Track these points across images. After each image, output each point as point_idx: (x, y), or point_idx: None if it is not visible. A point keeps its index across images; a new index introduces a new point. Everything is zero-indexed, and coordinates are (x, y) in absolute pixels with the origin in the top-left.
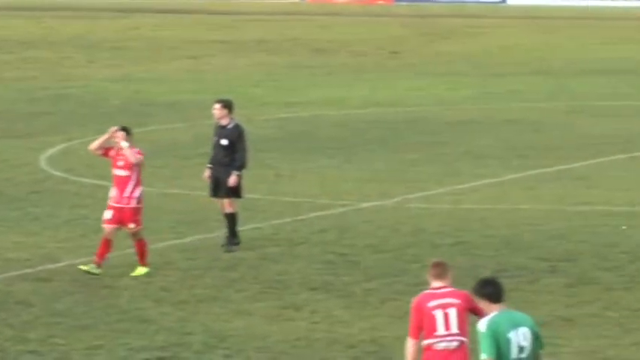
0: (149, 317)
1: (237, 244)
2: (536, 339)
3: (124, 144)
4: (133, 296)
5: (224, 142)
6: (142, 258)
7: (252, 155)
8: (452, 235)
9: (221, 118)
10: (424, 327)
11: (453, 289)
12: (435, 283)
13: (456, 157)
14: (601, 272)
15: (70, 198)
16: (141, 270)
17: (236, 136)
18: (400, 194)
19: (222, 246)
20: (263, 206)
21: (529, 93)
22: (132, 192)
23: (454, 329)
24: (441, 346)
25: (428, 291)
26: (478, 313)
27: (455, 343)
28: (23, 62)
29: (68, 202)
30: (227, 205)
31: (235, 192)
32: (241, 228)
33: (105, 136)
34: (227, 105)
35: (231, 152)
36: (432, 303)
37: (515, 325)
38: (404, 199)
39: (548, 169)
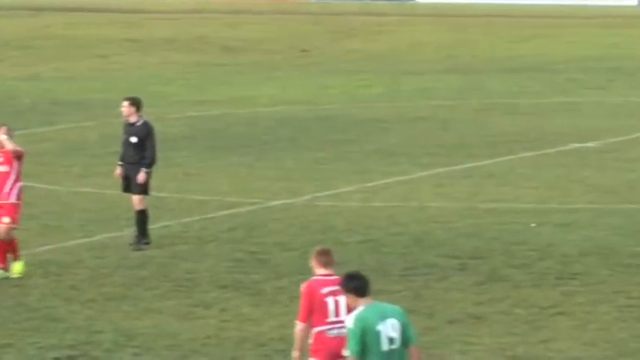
0: (58, 316)
1: (148, 243)
2: (406, 329)
3: (3, 137)
4: (42, 295)
5: (133, 139)
6: (4, 257)
7: (161, 154)
8: (360, 233)
9: (129, 115)
10: (315, 313)
11: (333, 279)
12: (322, 271)
13: (366, 155)
14: (510, 270)
15: None
16: (18, 266)
17: (145, 133)
18: (309, 192)
19: (131, 245)
20: (172, 204)
21: (439, 91)
22: (11, 188)
23: (344, 316)
24: (333, 332)
25: (318, 277)
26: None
27: (345, 330)
28: None
29: None
30: (137, 202)
31: (143, 189)
32: (151, 226)
33: None
34: (135, 103)
35: (140, 150)
36: (325, 290)
37: (384, 317)
38: (313, 197)
39: (458, 167)
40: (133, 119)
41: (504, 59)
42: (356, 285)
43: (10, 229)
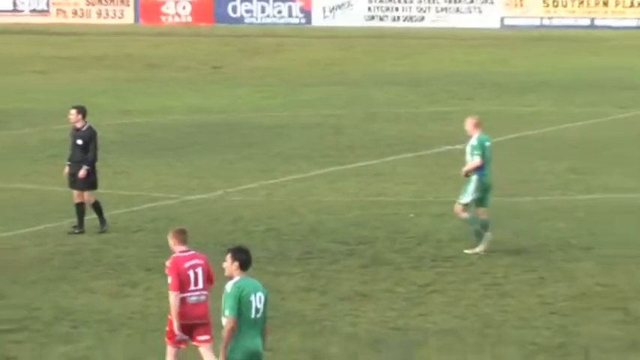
0: (3, 295)
1: (82, 232)
2: (266, 303)
3: None
4: None
5: (79, 142)
6: None
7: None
8: (264, 223)
9: (76, 122)
10: (182, 284)
11: (194, 252)
12: (181, 247)
13: (269, 156)
14: (392, 254)
15: None
16: None
17: (88, 137)
18: (221, 188)
19: (70, 233)
20: (103, 199)
21: (331, 100)
22: None
23: (201, 285)
24: (193, 299)
25: (179, 254)
26: (210, 276)
27: (203, 297)
28: None
29: None
30: (87, 196)
31: (91, 184)
32: (85, 217)
33: None
34: (81, 111)
35: (85, 151)
36: (187, 264)
37: (255, 291)
38: (224, 192)
39: (349, 166)
40: (79, 125)
41: (386, 74)
42: (242, 258)
43: None
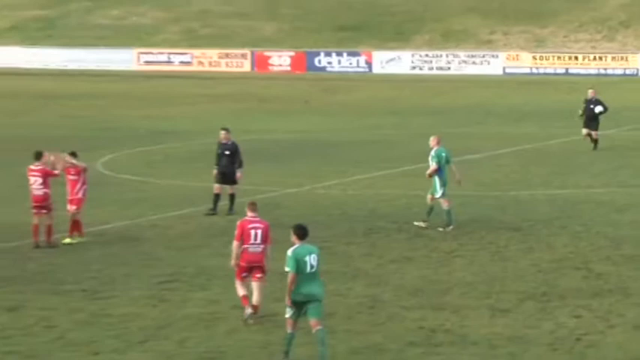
0: (160, 257)
1: (215, 214)
2: (319, 260)
3: (73, 160)
4: (153, 245)
5: (227, 152)
6: (74, 230)
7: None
8: (339, 208)
9: (226, 138)
10: (244, 238)
11: (259, 218)
12: (251, 214)
13: (343, 163)
14: (428, 230)
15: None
16: (70, 239)
17: (234, 148)
18: (308, 184)
19: (206, 214)
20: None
21: (386, 125)
22: (79, 189)
23: (259, 240)
24: (252, 249)
25: (247, 218)
26: (267, 236)
27: (259, 249)
28: None
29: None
30: (230, 190)
31: (234, 181)
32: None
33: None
34: (229, 130)
35: (231, 158)
36: (250, 225)
37: (310, 253)
38: (312, 187)
39: (398, 170)
40: (225, 140)
41: (424, 106)
42: (299, 232)
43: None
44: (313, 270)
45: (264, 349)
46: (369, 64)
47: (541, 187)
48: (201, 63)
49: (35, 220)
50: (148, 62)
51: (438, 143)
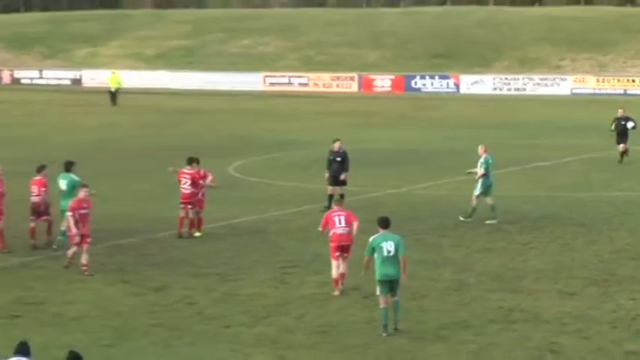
0: (282, 246)
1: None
2: (399, 247)
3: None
4: (277, 237)
5: (338, 159)
6: (199, 226)
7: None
8: (431, 205)
9: (339, 147)
10: (330, 224)
11: (343, 210)
12: (335, 207)
13: (436, 168)
14: (507, 225)
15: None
16: (198, 233)
17: (344, 156)
18: (405, 186)
19: (322, 211)
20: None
21: (471, 137)
22: (200, 191)
23: (344, 224)
24: (339, 231)
25: (333, 209)
26: (351, 220)
27: (345, 231)
28: None
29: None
30: (339, 190)
31: (344, 183)
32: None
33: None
34: (341, 141)
35: (342, 164)
36: (333, 214)
37: (386, 240)
38: (409, 189)
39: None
40: (337, 149)
41: (503, 121)
42: (381, 223)
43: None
44: (391, 255)
45: (368, 324)
46: (457, 85)
47: (602, 189)
48: (316, 85)
49: (182, 214)
50: (272, 84)
51: (486, 151)
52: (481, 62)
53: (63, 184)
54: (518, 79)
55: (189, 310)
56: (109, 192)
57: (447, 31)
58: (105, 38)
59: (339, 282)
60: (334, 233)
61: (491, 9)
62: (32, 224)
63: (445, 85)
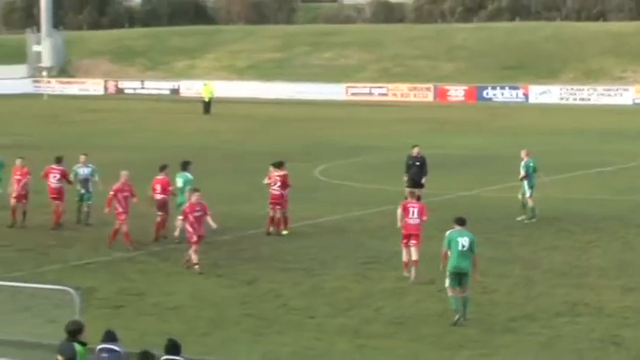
0: (364, 245)
1: None
2: (472, 244)
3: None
4: (359, 234)
5: (417, 163)
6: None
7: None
8: (499, 207)
9: (417, 152)
10: (405, 213)
11: (417, 202)
12: (409, 199)
13: (504, 172)
14: (570, 225)
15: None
16: (285, 231)
17: (423, 160)
18: (476, 189)
19: None
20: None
21: (539, 142)
22: (285, 195)
23: (415, 215)
24: (410, 222)
25: (407, 200)
26: (423, 211)
27: (415, 221)
28: None
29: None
30: (419, 192)
31: (422, 185)
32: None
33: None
34: (419, 147)
35: (420, 168)
36: (408, 205)
37: (462, 236)
38: (480, 191)
39: (543, 179)
40: (416, 154)
41: (569, 129)
42: (457, 220)
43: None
44: (464, 249)
45: (441, 316)
46: (525, 95)
47: None
48: (394, 94)
49: (271, 213)
50: (353, 94)
51: (527, 155)
52: (548, 74)
53: (179, 181)
54: (583, 89)
55: (277, 302)
56: (205, 192)
57: (516, 45)
58: (201, 51)
59: (412, 267)
60: (406, 222)
61: (558, 24)
62: (158, 219)
63: (515, 95)
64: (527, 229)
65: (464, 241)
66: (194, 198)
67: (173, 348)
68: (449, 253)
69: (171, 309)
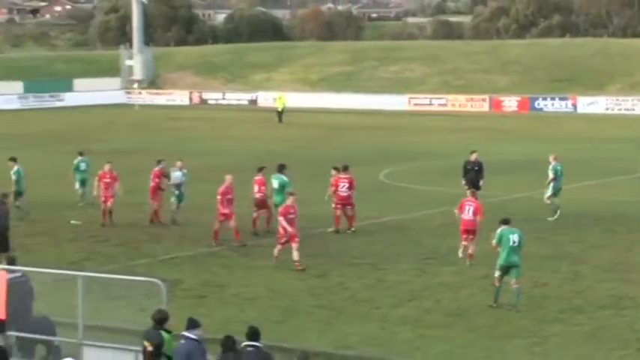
0: (420, 241)
1: None
2: (521, 240)
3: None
4: (418, 233)
5: (476, 168)
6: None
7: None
8: (577, 210)
9: (475, 157)
10: (461, 210)
11: (475, 200)
12: (468, 198)
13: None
14: (615, 226)
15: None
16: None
17: (480, 165)
18: (528, 192)
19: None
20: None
21: (582, 150)
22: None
23: (470, 213)
24: (466, 217)
25: (465, 199)
26: (477, 211)
27: (470, 218)
28: None
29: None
30: (476, 194)
31: (479, 187)
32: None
33: None
34: (478, 152)
35: (477, 172)
36: (465, 203)
37: (512, 233)
38: (532, 193)
39: (600, 181)
40: (474, 159)
41: (614, 137)
42: (504, 220)
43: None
44: (515, 245)
45: (496, 308)
46: (574, 106)
47: None
48: (453, 105)
49: (338, 213)
50: (416, 104)
51: (555, 160)
52: (596, 86)
53: (275, 183)
54: (627, 100)
55: (344, 294)
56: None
57: (566, 60)
58: (276, 65)
59: (469, 258)
60: (462, 218)
61: (605, 41)
62: (255, 214)
63: (564, 106)
64: (576, 228)
65: (514, 238)
66: (289, 201)
67: (254, 335)
68: (499, 248)
69: (249, 299)
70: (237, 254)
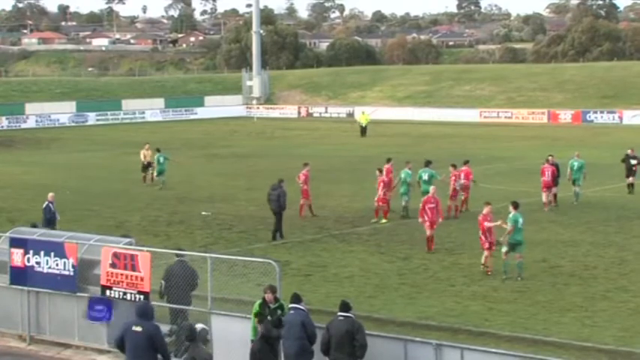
0: (468, 240)
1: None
2: (523, 222)
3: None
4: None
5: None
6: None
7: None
8: (600, 203)
9: (553, 161)
10: (542, 175)
11: (552, 166)
12: (546, 164)
13: (605, 177)
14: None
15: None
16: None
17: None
18: (589, 188)
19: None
20: (518, 194)
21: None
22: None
23: (549, 175)
24: (546, 178)
25: (543, 166)
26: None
27: (549, 179)
28: None
29: None
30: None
31: (556, 185)
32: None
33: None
34: (555, 158)
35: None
36: (545, 169)
37: (521, 217)
38: (584, 191)
39: (623, 183)
40: (551, 161)
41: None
42: (514, 204)
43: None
44: (521, 226)
45: (553, 286)
46: (620, 118)
47: None
48: (517, 117)
49: (450, 203)
50: (485, 117)
51: (578, 157)
52: (638, 101)
53: (425, 175)
54: None
55: (425, 274)
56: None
57: (613, 79)
58: (370, 85)
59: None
60: (543, 180)
61: None
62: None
63: (612, 118)
64: (620, 220)
65: (521, 220)
66: (431, 192)
67: (345, 307)
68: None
69: (346, 277)
70: (337, 240)
